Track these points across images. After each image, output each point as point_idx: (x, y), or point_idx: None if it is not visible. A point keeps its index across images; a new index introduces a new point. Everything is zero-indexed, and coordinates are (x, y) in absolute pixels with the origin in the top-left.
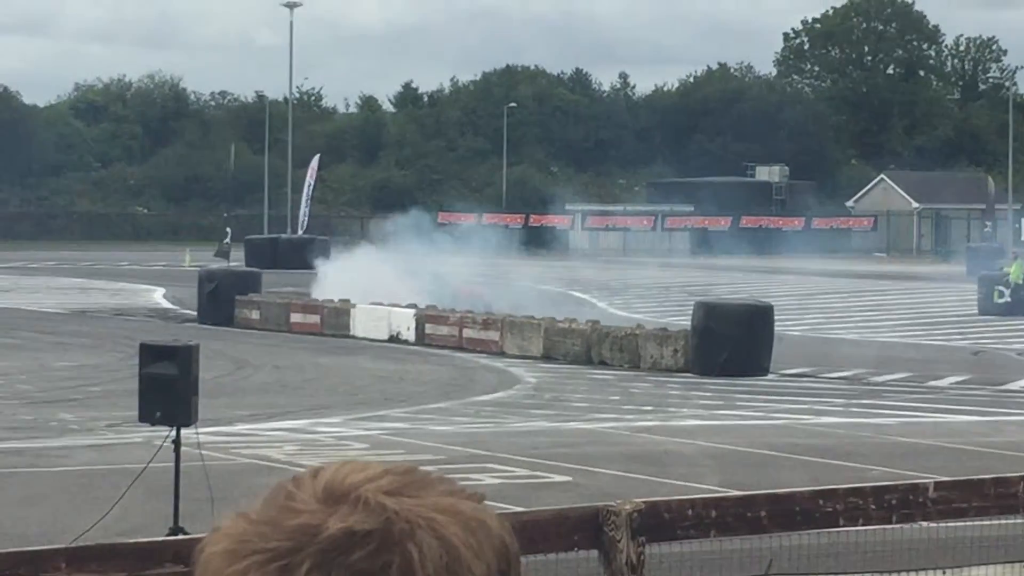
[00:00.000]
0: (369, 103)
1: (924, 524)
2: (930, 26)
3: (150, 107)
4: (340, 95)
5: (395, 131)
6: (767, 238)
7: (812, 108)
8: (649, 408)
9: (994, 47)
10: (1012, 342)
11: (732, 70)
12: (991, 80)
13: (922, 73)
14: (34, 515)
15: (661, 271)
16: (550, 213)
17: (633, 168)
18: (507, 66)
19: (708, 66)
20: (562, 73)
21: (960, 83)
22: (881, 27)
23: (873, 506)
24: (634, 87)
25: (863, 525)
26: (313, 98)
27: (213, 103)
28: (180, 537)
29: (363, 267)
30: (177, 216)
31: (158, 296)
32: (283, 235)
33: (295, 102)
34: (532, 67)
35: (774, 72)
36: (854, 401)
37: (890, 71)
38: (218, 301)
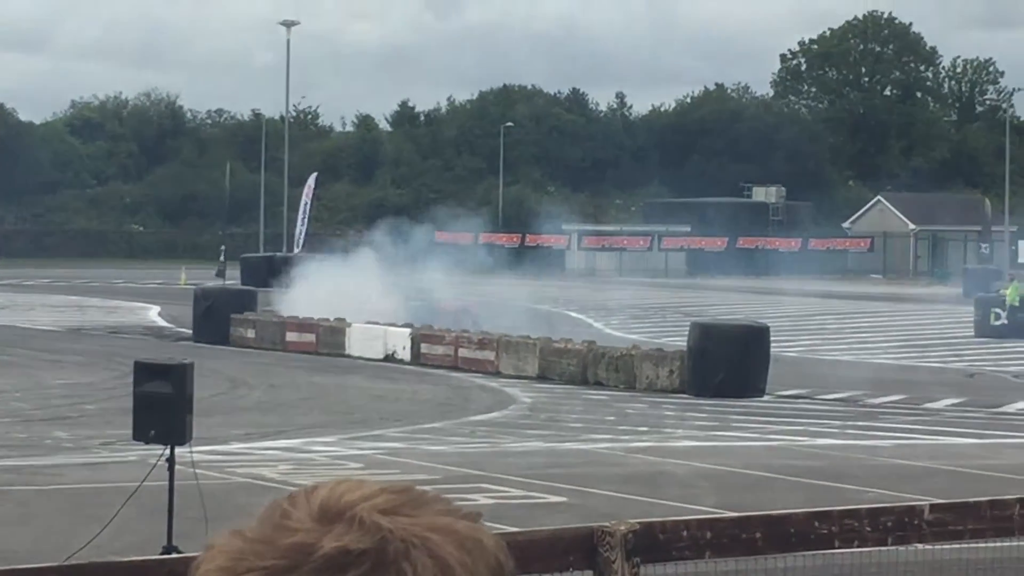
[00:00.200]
0: (366, 122)
1: (920, 546)
2: (927, 48)
3: (146, 125)
4: (337, 114)
5: (391, 150)
6: (763, 259)
7: (809, 129)
8: (645, 429)
9: (991, 69)
10: (1008, 364)
11: (729, 91)
12: (988, 102)
13: (919, 94)
14: (28, 533)
15: (657, 291)
16: (546, 233)
17: (630, 188)
18: (504, 86)
19: (705, 87)
20: (559, 93)
21: (957, 104)
22: (878, 48)
23: (868, 528)
24: (631, 107)
25: (858, 547)
26: (310, 117)
27: (209, 121)
28: (174, 556)
29: (338, 282)
30: (173, 234)
31: (153, 314)
32: (278, 253)
33: (291, 121)
34: (529, 87)
35: (771, 93)
36: (850, 423)
37: (887, 92)
38: (213, 319)
